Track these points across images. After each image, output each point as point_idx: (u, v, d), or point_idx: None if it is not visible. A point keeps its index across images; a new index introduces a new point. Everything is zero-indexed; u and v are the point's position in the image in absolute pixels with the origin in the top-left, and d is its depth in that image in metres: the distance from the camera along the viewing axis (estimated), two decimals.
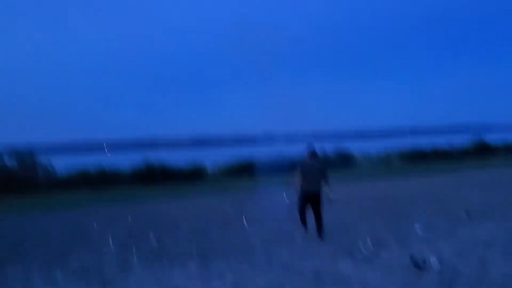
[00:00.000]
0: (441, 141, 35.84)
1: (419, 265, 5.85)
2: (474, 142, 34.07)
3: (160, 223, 10.82)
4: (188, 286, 5.65)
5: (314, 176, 8.18)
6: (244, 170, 26.47)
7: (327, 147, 29.28)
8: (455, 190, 13.98)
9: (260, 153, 29.43)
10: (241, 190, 18.00)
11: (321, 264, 6.34)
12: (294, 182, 8.24)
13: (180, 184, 23.30)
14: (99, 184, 23.62)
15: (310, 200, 8.21)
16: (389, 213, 10.38)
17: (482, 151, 32.74)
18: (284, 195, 14.19)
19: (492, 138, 36.00)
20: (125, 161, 26.61)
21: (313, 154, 8.45)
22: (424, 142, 35.18)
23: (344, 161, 28.72)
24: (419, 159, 30.22)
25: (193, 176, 25.29)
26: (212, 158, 31.85)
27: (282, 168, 25.39)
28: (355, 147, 32.56)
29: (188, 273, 6.33)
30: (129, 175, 24.79)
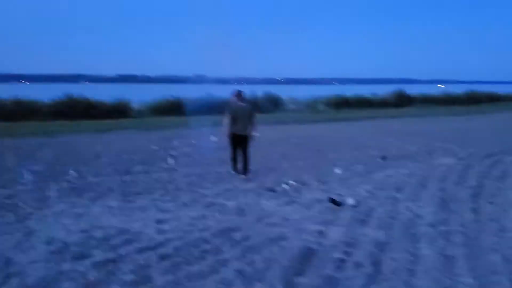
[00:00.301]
0: (365, 91, 37.29)
1: (336, 203, 6.18)
2: (394, 93, 35.73)
3: (81, 158, 10.42)
4: (109, 221, 5.58)
5: (243, 118, 8.47)
6: (173, 109, 25.87)
7: (257, 91, 29.27)
8: (374, 136, 14.68)
9: (190, 93, 28.89)
10: (168, 129, 17.70)
11: (244, 202, 6.50)
12: (224, 124, 8.52)
13: (104, 119, 22.45)
14: (17, 116, 22.17)
15: (239, 140, 8.53)
16: (311, 156, 10.74)
17: (401, 101, 34.47)
18: (212, 136, 14.18)
19: (411, 90, 38.06)
20: (47, 94, 25.02)
21: (240, 95, 8.72)
22: (349, 91, 36.42)
23: (273, 105, 29.00)
24: (344, 106, 31.24)
25: (119, 112, 24.35)
26: (139, 96, 30.87)
27: (212, 109, 25.24)
28: (284, 93, 32.96)
29: (109, 208, 6.23)
30: (50, 108, 23.32)
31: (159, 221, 5.53)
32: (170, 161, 9.86)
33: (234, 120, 8.43)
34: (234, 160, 8.71)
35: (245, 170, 8.57)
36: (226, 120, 8.47)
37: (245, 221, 5.52)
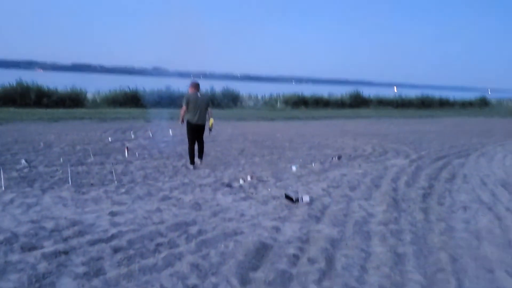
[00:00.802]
0: (322, 91, 37.90)
1: (291, 199, 6.26)
2: (351, 94, 36.49)
3: (33, 146, 10.05)
4: (60, 212, 5.41)
5: (201, 108, 8.76)
6: (129, 101, 25.31)
7: (215, 87, 29.15)
8: (331, 136, 14.95)
9: (147, 85, 28.37)
10: (124, 121, 17.31)
11: (200, 196, 6.47)
12: (181, 113, 8.83)
13: (57, 108, 21.72)
14: None
15: (197, 130, 8.84)
16: (269, 153, 10.82)
17: (357, 103, 35.26)
18: (170, 129, 14.01)
19: (367, 92, 39.01)
20: None
21: (197, 87, 8.98)
22: (307, 90, 36.90)
23: (231, 101, 28.95)
24: (301, 105, 31.61)
25: (73, 101, 23.54)
26: (94, 86, 30.02)
27: (169, 102, 24.90)
28: (243, 89, 32.98)
29: (61, 199, 6.04)
30: (0, 95, 22.23)
31: (113, 214, 5.42)
32: (126, 153, 9.66)
33: (191, 110, 8.67)
34: (192, 153, 8.89)
35: (201, 155, 9.06)
36: (183, 109, 8.72)
37: (201, 216, 5.49)
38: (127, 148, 9.94)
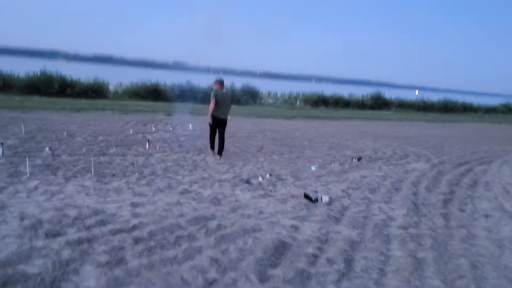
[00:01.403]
0: (342, 91, 37.71)
1: (311, 199, 6.25)
2: (372, 95, 36.19)
3: (56, 135, 10.22)
4: (83, 201, 5.50)
5: (225, 104, 9.35)
6: (150, 94, 25.55)
7: (235, 83, 29.23)
8: (351, 137, 14.86)
9: (168, 79, 28.60)
10: (146, 113, 17.48)
11: (219, 192, 6.50)
12: (210, 108, 9.14)
13: (80, 98, 22.06)
14: None
15: (220, 123, 9.34)
16: (288, 151, 10.80)
17: (378, 104, 34.96)
18: (190, 123, 14.10)
19: (388, 93, 38.65)
20: (23, 69, 24.34)
21: (221, 83, 9.51)
22: (327, 90, 36.75)
23: (251, 97, 28.99)
24: (321, 104, 31.48)
25: (95, 92, 23.87)
26: (116, 78, 30.37)
27: (190, 96, 25.05)
28: (262, 87, 33.00)
29: (83, 188, 6.14)
30: (25, 83, 22.66)
31: (134, 205, 5.48)
32: (147, 145, 9.75)
33: (217, 105, 9.13)
34: (213, 141, 9.54)
35: (220, 151, 9.40)
36: (211, 104, 9.07)
37: (220, 211, 5.52)
38: (148, 140, 10.03)
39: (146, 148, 9.61)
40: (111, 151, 9.04)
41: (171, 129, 13.41)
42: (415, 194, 7.21)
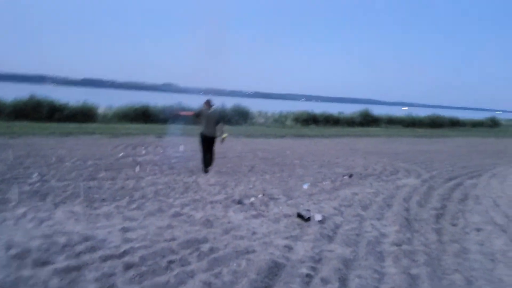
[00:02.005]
0: (332, 109, 38.01)
1: (303, 218, 6.22)
2: (361, 112, 36.50)
3: (45, 161, 10.12)
4: (73, 227, 5.42)
5: (211, 123, 9.86)
6: (140, 117, 25.54)
7: (226, 103, 29.34)
8: (341, 154, 14.91)
9: (158, 101, 28.60)
10: (136, 136, 17.42)
11: (211, 213, 6.45)
12: (188, 113, 10.69)
13: (69, 123, 21.96)
14: None
15: (207, 141, 9.86)
16: (279, 170, 10.79)
17: (367, 121, 35.24)
18: (181, 145, 14.05)
19: (376, 111, 39.01)
20: (10, 94, 24.24)
21: (209, 104, 10.16)
22: (317, 108, 37.03)
23: (241, 117, 29.06)
24: (311, 123, 31.64)
25: (84, 116, 23.78)
26: (105, 101, 30.29)
27: (180, 118, 25.03)
28: (253, 106, 33.12)
29: (73, 214, 6.06)
30: (12, 108, 22.51)
31: (124, 229, 5.41)
32: (137, 169, 9.69)
33: (203, 123, 9.83)
34: (205, 161, 9.94)
35: (210, 165, 10.01)
36: (192, 113, 10.32)
37: (213, 233, 5.47)
38: (138, 163, 9.97)
39: (136, 171, 9.55)
40: (100, 175, 8.97)
41: (162, 151, 13.36)
42: (407, 210, 7.22)
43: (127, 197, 7.17)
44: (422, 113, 41.99)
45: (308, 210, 6.54)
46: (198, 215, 6.31)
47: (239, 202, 7.17)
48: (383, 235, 5.77)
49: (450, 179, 10.60)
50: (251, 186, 8.72)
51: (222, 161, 11.80)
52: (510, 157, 16.70)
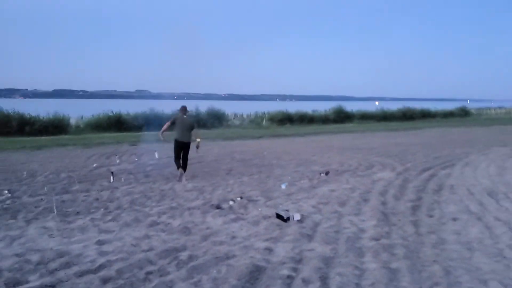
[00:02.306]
0: (306, 108, 38.24)
1: (282, 218, 6.20)
2: (334, 109, 36.84)
3: (16, 176, 9.87)
4: (46, 244, 5.27)
5: (185, 128, 9.81)
6: (113, 125, 25.14)
7: (200, 107, 29.19)
8: (317, 152, 14.97)
9: (131, 109, 28.26)
10: (109, 145, 17.14)
11: (189, 220, 6.37)
12: (164, 127, 10.01)
13: (40, 136, 21.49)
14: None
15: (181, 146, 9.79)
16: (257, 171, 10.77)
17: (340, 118, 35.57)
18: (155, 152, 13.89)
19: (349, 107, 39.40)
20: None
21: (183, 109, 10.21)
22: (292, 108, 37.18)
23: (217, 120, 28.95)
24: (287, 122, 31.76)
25: (56, 128, 23.28)
26: (77, 112, 29.78)
27: (154, 125, 24.77)
28: (228, 109, 33.09)
29: (46, 229, 5.90)
30: None
31: (100, 242, 5.30)
32: (111, 179, 9.52)
33: (178, 129, 9.80)
34: (178, 162, 9.83)
35: (184, 168, 9.85)
36: (167, 124, 10.00)
37: (191, 240, 5.40)
38: (112, 173, 9.80)
39: (110, 182, 9.39)
40: (74, 188, 8.79)
41: (136, 159, 13.19)
42: (383, 203, 7.28)
43: (102, 209, 7.03)
44: (393, 106, 42.60)
45: (287, 210, 6.52)
46: (176, 222, 6.23)
47: (218, 206, 7.10)
48: (362, 230, 5.80)
49: (424, 170, 10.75)
50: (229, 189, 8.67)
51: (199, 165, 11.71)
52: (480, 145, 17.05)
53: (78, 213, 6.81)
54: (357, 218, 6.39)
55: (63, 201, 7.59)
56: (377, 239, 5.37)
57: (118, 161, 12.68)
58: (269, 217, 6.46)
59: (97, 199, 7.71)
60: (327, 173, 10.21)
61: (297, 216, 6.24)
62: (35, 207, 7.19)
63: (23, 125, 22.61)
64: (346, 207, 7.10)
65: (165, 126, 10.01)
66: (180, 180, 9.52)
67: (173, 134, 9.95)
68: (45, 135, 22.14)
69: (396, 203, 7.29)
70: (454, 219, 6.31)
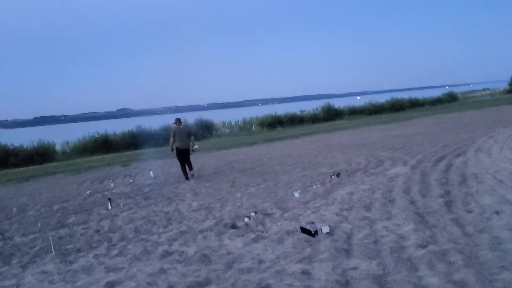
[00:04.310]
0: (291, 109, 37.77)
1: (309, 232, 5.54)
2: (323, 107, 36.37)
3: (4, 213, 9.08)
4: None
5: (183, 137, 11.44)
6: (100, 147, 24.26)
7: (187, 119, 28.44)
8: (318, 152, 14.37)
9: (116, 128, 27.40)
10: (100, 169, 16.34)
11: (205, 245, 5.68)
12: (171, 143, 11.45)
13: (26, 166, 20.56)
14: None
15: (182, 153, 11.39)
16: (262, 180, 10.10)
17: (330, 115, 35.08)
18: (149, 169, 13.15)
19: (337, 103, 39.02)
20: None
21: (178, 121, 11.79)
22: (278, 110, 36.63)
23: (206, 130, 28.22)
24: (277, 125, 31.15)
25: (42, 156, 22.34)
26: (62, 137, 28.83)
27: (144, 142, 23.97)
28: (214, 118, 32.39)
29: (45, 274, 5.17)
30: None
31: (110, 284, 4.58)
32: (109, 205, 8.79)
33: (177, 139, 11.33)
34: (184, 171, 11.44)
35: (190, 169, 11.55)
36: (170, 141, 11.46)
37: (214, 271, 4.71)
38: (109, 199, 9.06)
39: (109, 209, 8.66)
40: (70, 220, 8.04)
41: (131, 181, 12.43)
42: (412, 202, 6.66)
43: (105, 242, 6.31)
44: (375, 99, 42.25)
45: (312, 223, 5.85)
46: (191, 250, 5.53)
47: (233, 226, 6.40)
48: (402, 237, 5.16)
49: (438, 161, 10.19)
50: (238, 204, 7.98)
51: (199, 180, 11.04)
52: (482, 129, 16.62)
53: (79, 250, 6.08)
54: (390, 223, 5.75)
55: (61, 237, 6.84)
56: (424, 246, 4.73)
57: (112, 185, 11.91)
58: (293, 232, 5.80)
59: (97, 231, 6.98)
60: (338, 175, 9.58)
61: (325, 229, 5.58)
62: (30, 247, 6.44)
63: (7, 156, 21.67)
64: (374, 211, 6.46)
65: (171, 142, 11.40)
66: (191, 178, 11.31)
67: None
68: (31, 164, 21.24)
69: (425, 201, 6.68)
70: (497, 212, 5.70)
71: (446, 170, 9.02)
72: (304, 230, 5.66)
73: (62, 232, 7.21)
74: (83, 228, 7.31)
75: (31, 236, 7.11)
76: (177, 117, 12.03)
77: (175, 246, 5.80)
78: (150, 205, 8.71)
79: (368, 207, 6.68)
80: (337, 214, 6.43)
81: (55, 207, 9.47)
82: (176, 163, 12.16)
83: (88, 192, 11.07)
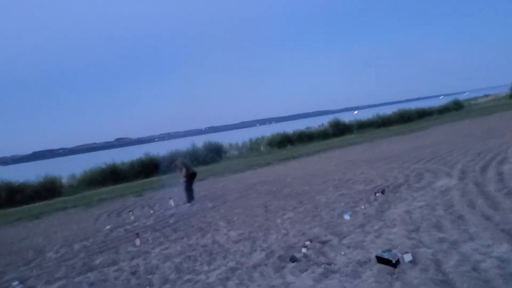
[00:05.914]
0: (294, 127, 37.20)
1: (389, 262, 4.75)
2: (330, 123, 35.73)
3: (20, 257, 8.27)
4: None
5: (188, 164, 12.32)
6: (110, 177, 23.45)
7: (196, 144, 27.71)
8: (343, 169, 13.61)
9: (119, 158, 26.65)
10: (113, 201, 15.54)
11: (267, 285, 4.87)
12: (183, 173, 11.77)
13: (33, 203, 19.72)
14: None
15: (194, 176, 12.20)
16: (298, 203, 9.30)
17: (340, 130, 34.40)
18: (169, 198, 12.36)
19: (346, 118, 38.43)
20: None
21: (178, 158, 12.57)
22: (280, 129, 36.02)
23: (215, 154, 27.46)
24: (286, 144, 30.43)
25: (49, 191, 21.51)
26: (65, 170, 28.06)
27: (153, 169, 23.18)
28: (225, 140, 31.70)
29: None
30: None
31: None
32: (137, 241, 7.99)
33: (188, 166, 12.07)
34: (192, 196, 11.94)
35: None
36: (183, 172, 11.79)
37: None
38: (137, 234, 8.25)
39: (137, 245, 7.85)
40: (97, 261, 7.22)
41: (152, 211, 11.62)
42: (487, 218, 5.89)
43: (147, 287, 5.50)
44: (369, 114, 41.80)
45: (390, 250, 5.07)
46: None
47: (293, 259, 5.60)
48: (504, 261, 4.38)
49: (484, 169, 9.45)
50: (284, 231, 7.18)
51: (225, 206, 10.25)
52: (507, 134, 15.91)
53: None
54: (478, 245, 4.97)
55: (92, 284, 6.03)
56: None
57: (132, 217, 11.09)
58: (366, 262, 5.01)
59: (133, 273, 6.16)
60: (383, 192, 8.81)
61: (407, 257, 4.79)
62: None
63: (12, 194, 20.79)
64: (447, 230, 5.68)
65: (183, 173, 11.78)
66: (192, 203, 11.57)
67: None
68: (38, 200, 20.39)
69: (503, 215, 5.91)
70: None
71: (499, 178, 8.27)
72: (381, 260, 4.87)
73: (92, 276, 6.39)
74: (114, 271, 6.50)
75: (58, 284, 6.29)
76: (173, 159, 13.27)
77: (231, 286, 5.00)
78: (183, 238, 7.90)
79: (438, 227, 5.90)
80: (407, 237, 5.65)
81: (76, 246, 8.66)
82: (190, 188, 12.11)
83: (108, 227, 10.25)
